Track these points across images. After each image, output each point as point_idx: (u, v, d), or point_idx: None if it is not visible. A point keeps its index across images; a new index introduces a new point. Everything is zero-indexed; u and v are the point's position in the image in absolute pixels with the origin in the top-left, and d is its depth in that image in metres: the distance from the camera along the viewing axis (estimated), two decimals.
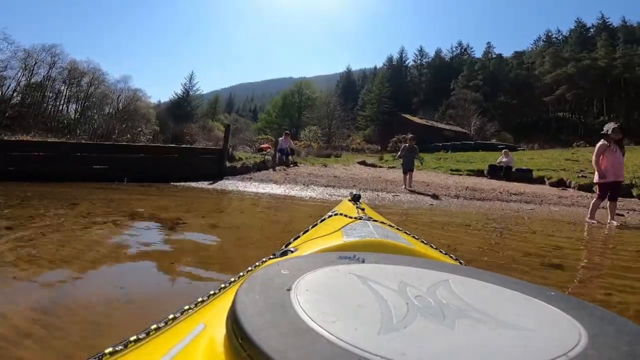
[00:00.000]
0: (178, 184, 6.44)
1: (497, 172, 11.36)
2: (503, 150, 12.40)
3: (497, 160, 11.88)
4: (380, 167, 16.01)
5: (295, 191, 6.40)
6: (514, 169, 11.46)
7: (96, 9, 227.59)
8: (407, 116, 40.95)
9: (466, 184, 8.92)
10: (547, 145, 29.13)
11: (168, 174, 6.75)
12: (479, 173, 12.33)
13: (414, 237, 0.80)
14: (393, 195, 6.67)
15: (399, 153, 8.18)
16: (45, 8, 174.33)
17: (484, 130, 41.32)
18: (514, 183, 10.34)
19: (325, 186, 7.22)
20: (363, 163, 17.12)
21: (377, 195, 6.65)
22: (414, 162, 8.00)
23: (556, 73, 51.74)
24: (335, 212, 0.95)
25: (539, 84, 55.41)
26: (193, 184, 6.51)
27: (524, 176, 11.00)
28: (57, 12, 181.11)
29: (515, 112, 53.36)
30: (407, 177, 7.90)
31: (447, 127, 36.41)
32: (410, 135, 8.98)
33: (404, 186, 7.77)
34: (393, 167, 15.45)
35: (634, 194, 8.29)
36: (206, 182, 6.76)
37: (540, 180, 10.79)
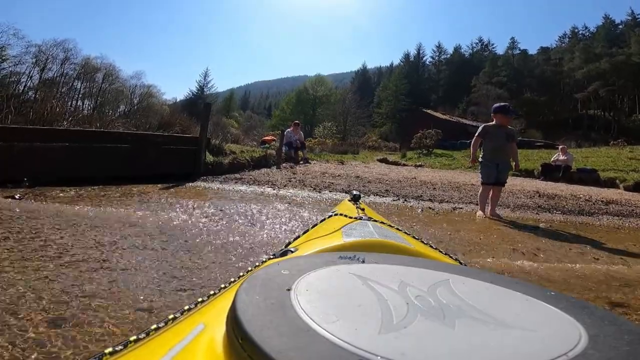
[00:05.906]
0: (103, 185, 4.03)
1: (553, 172, 9.39)
2: (560, 147, 10.41)
3: (553, 159, 9.91)
4: (404, 164, 14.24)
5: (300, 200, 4.24)
6: (574, 169, 9.47)
7: (111, 6, 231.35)
8: (429, 111, 38.66)
9: (527, 187, 7.02)
10: (586, 144, 26.51)
11: (107, 173, 4.49)
12: (527, 173, 10.37)
13: (413, 237, 0.78)
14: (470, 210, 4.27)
15: (474, 140, 4.04)
16: (56, 4, 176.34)
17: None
18: (577, 186, 8.38)
19: (347, 192, 4.70)
20: (384, 161, 15.45)
21: (444, 208, 4.16)
22: (509, 164, 4.09)
23: (588, 69, 49.24)
24: (335, 212, 0.91)
25: (568, 80, 52.76)
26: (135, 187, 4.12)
27: (589, 177, 9.01)
28: (68, 8, 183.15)
29: (543, 109, 50.78)
30: (491, 193, 3.93)
31: (473, 123, 33.98)
32: (497, 105, 4.08)
33: (480, 212, 3.94)
34: (421, 165, 13.60)
35: None
36: (161, 185, 4.34)
37: (610, 183, 8.78)
